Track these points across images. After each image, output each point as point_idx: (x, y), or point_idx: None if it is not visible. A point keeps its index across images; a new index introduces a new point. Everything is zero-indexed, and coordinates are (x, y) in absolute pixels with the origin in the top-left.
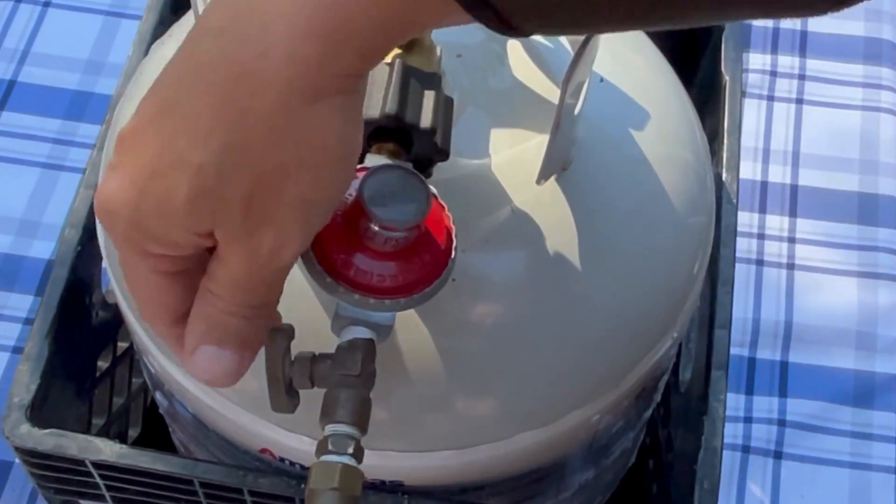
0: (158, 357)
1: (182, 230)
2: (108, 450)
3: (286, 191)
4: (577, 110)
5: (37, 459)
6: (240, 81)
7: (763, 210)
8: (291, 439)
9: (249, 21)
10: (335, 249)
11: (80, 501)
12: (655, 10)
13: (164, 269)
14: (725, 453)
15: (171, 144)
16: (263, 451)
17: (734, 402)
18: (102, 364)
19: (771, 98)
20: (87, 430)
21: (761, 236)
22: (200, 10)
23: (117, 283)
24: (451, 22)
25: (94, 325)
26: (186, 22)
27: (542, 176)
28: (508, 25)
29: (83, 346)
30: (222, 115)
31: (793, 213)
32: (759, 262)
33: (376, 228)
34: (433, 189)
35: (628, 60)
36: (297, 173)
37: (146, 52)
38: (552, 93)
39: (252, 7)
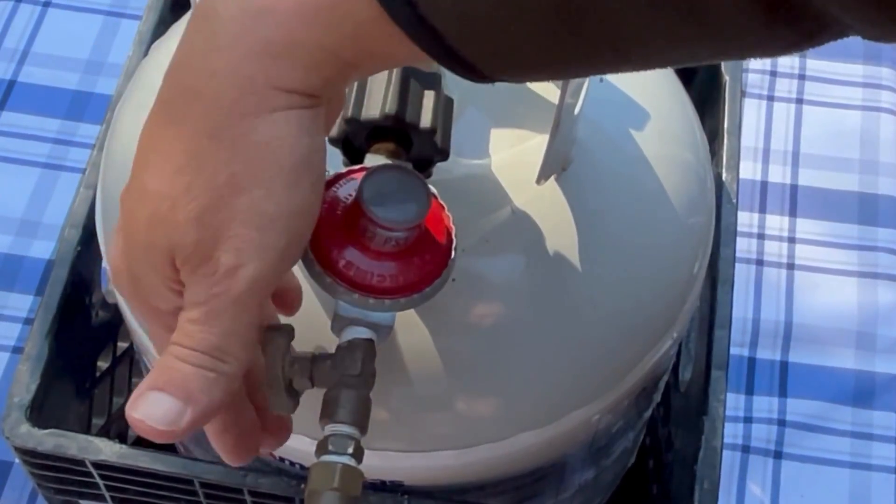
0: (158, 357)
1: (151, 267)
2: (108, 450)
3: (239, 206)
4: (576, 110)
5: (37, 459)
6: (193, 105)
7: (763, 210)
8: (291, 439)
9: (202, 48)
10: (335, 249)
11: (80, 501)
12: (618, 62)
13: (167, 325)
14: (725, 453)
15: (140, 181)
16: None
17: (734, 401)
18: (102, 364)
19: (771, 98)
20: (87, 430)
21: (761, 236)
22: None
23: None
24: (413, 62)
25: (94, 325)
26: (185, 22)
27: (542, 176)
28: (477, 73)
29: (83, 345)
30: (177, 140)
31: (793, 213)
32: (759, 262)
33: (376, 228)
34: (433, 189)
35: None
36: (250, 187)
37: (146, 52)
38: (552, 93)
39: (202, 33)
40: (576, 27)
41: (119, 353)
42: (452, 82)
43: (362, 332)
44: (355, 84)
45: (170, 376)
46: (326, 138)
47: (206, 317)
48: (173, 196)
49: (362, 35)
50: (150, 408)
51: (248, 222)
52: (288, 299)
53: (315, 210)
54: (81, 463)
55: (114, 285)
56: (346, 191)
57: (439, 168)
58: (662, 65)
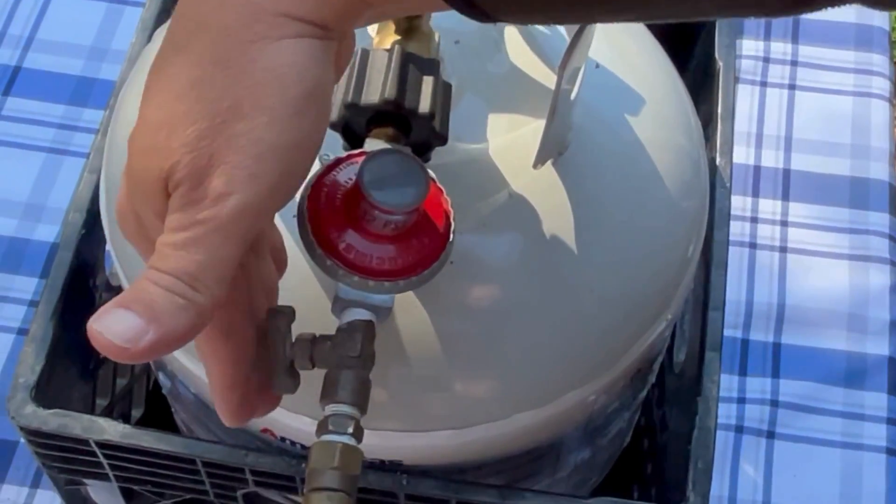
0: None
1: (148, 199)
2: (112, 430)
3: (238, 132)
4: (573, 96)
5: (41, 439)
6: (199, 35)
7: (756, 194)
8: (292, 419)
9: None
10: (335, 233)
11: (85, 481)
12: (620, 10)
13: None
14: (719, 433)
15: (142, 115)
16: (264, 430)
17: (727, 382)
18: None
19: (764, 84)
20: (91, 410)
21: (754, 220)
22: None
23: (121, 266)
24: (422, 7)
25: (98, 307)
26: None
27: (539, 160)
28: (479, 11)
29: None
30: (181, 69)
31: (785, 197)
32: (753, 245)
33: (376, 212)
34: (432, 173)
35: (624, 46)
36: (253, 113)
37: (149, 39)
38: (549, 78)
39: None
40: None
41: None
42: (451, 68)
43: (362, 314)
44: (354, 70)
45: (138, 295)
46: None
47: (186, 242)
48: (171, 123)
49: None
50: (112, 322)
51: (245, 149)
52: (275, 257)
53: (316, 146)
54: (85, 442)
55: (120, 229)
56: (346, 175)
57: (438, 152)
58: (663, 16)
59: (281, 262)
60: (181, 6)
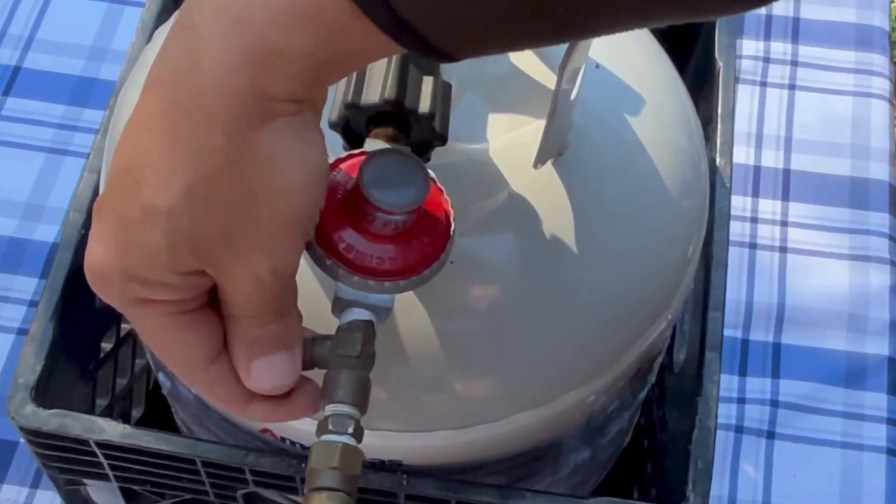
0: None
1: (171, 273)
2: (112, 430)
3: (262, 216)
4: (573, 96)
5: (41, 439)
6: (185, 122)
7: (756, 194)
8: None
9: (182, 64)
10: (335, 233)
11: (85, 481)
12: (575, 25)
13: (174, 311)
14: (719, 433)
15: (136, 196)
16: (264, 431)
17: (727, 382)
18: (106, 345)
19: (764, 84)
20: (90, 410)
21: (754, 220)
22: None
23: None
24: (391, 53)
25: (98, 307)
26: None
27: (539, 160)
28: (441, 54)
29: (87, 327)
30: (178, 157)
31: (785, 197)
32: (753, 246)
33: (376, 212)
34: (432, 173)
35: (623, 47)
36: (267, 197)
37: (149, 39)
38: (549, 78)
39: (183, 48)
40: (549, 13)
41: (122, 334)
42: (451, 68)
43: (362, 314)
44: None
45: (266, 340)
46: (326, 123)
47: (262, 299)
48: (190, 214)
49: (338, 36)
50: (269, 374)
51: (276, 230)
52: None
53: (320, 202)
54: (85, 443)
55: (96, 291)
56: (346, 175)
57: (438, 152)
58: (628, 30)
59: None
60: (156, 86)
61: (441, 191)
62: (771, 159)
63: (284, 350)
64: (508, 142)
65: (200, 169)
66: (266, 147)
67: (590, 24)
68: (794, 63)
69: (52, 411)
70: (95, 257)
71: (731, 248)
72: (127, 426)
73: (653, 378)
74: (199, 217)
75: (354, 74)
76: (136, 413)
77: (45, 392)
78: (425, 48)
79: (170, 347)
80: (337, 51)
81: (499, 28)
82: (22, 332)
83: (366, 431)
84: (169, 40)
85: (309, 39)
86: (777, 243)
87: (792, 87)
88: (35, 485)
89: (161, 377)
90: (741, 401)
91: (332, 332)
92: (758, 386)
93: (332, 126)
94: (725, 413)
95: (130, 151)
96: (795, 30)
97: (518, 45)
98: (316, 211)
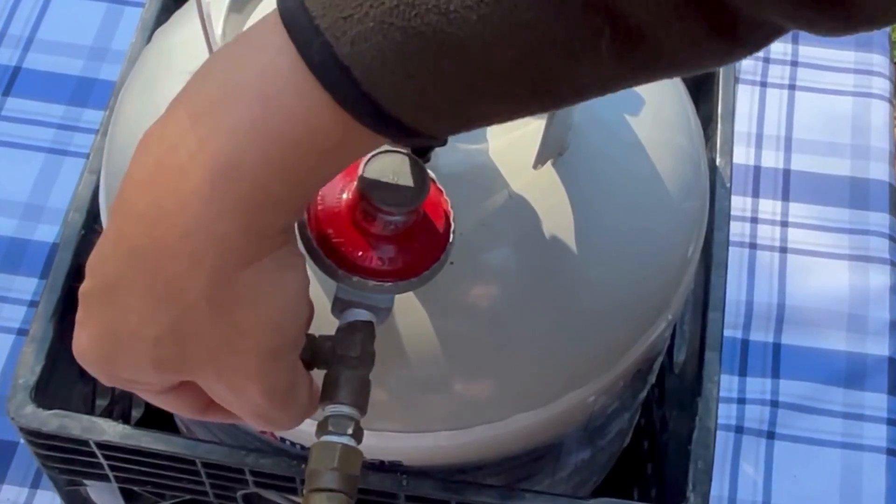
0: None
1: (157, 382)
2: (112, 430)
3: (249, 347)
4: None
5: (41, 440)
6: (170, 263)
7: (756, 194)
8: None
9: (168, 204)
10: (335, 233)
11: (85, 481)
12: (538, 100)
13: (158, 391)
14: (719, 433)
15: (123, 319)
16: (264, 431)
17: (727, 383)
18: None
19: (764, 84)
20: (90, 410)
21: (754, 220)
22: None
23: None
24: (360, 157)
25: None
26: (188, 9)
27: (539, 161)
28: (425, 136)
29: None
30: (164, 296)
31: (785, 198)
32: (753, 246)
33: (376, 213)
34: (432, 174)
35: None
36: (253, 331)
37: (149, 39)
38: None
39: (169, 188)
40: (542, 97)
41: None
42: None
43: (362, 315)
44: None
45: (275, 413)
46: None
47: (266, 405)
48: (176, 343)
49: (330, 160)
50: (291, 419)
51: (265, 357)
52: None
53: (308, 315)
54: (85, 443)
55: (87, 366)
56: (346, 176)
57: (438, 152)
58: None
59: None
60: (138, 220)
61: (441, 191)
62: (771, 159)
63: (293, 420)
64: (508, 142)
65: (185, 308)
66: (252, 286)
67: (576, 98)
68: (794, 63)
69: (51, 412)
70: (82, 347)
71: (731, 248)
72: (127, 426)
73: (653, 378)
74: (185, 347)
75: None
76: (136, 413)
77: (45, 392)
78: (414, 137)
79: (161, 404)
80: (321, 173)
81: (495, 112)
82: (22, 332)
83: (366, 432)
84: (155, 173)
85: (301, 173)
86: (777, 243)
87: (792, 87)
88: (35, 485)
89: None
90: (741, 401)
91: (332, 332)
92: (758, 386)
93: None
94: (725, 413)
95: (115, 272)
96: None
97: (497, 117)
98: (303, 332)
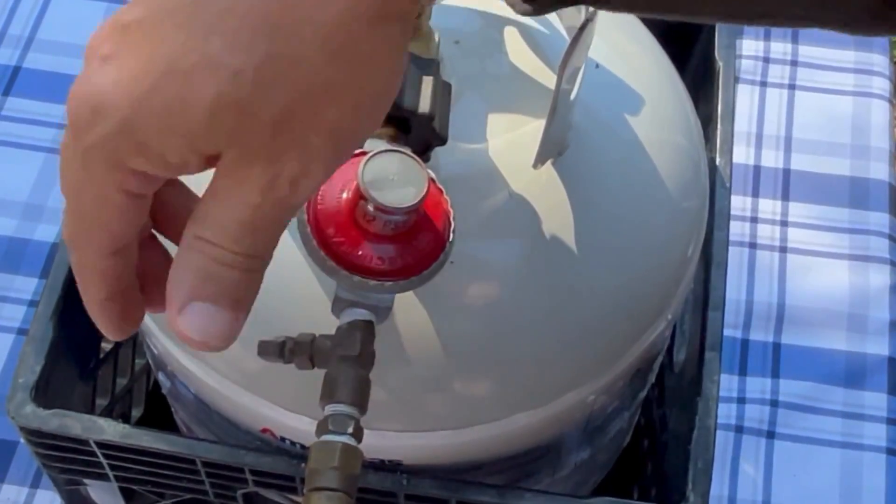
0: (161, 338)
1: (187, 144)
2: (112, 430)
3: (325, 115)
4: (573, 96)
5: (41, 439)
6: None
7: (756, 194)
8: (292, 419)
9: None
10: (335, 232)
11: (84, 481)
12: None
13: (129, 188)
14: (719, 433)
15: (200, 42)
16: (264, 430)
17: (727, 382)
18: (106, 345)
19: (764, 84)
20: (90, 410)
21: (754, 220)
22: None
23: None
24: None
25: None
26: None
27: (539, 160)
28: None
29: (87, 327)
30: (274, 20)
31: (785, 197)
32: (752, 245)
33: (376, 212)
34: (431, 173)
35: (623, 47)
36: (342, 97)
37: None
38: (549, 78)
39: None
40: None
41: None
42: (451, 68)
43: (362, 314)
44: None
45: (218, 286)
46: None
47: (258, 221)
48: (257, 83)
49: None
50: (203, 322)
51: (328, 134)
52: None
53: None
54: (85, 443)
55: (75, 118)
56: (346, 175)
57: (438, 152)
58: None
59: None
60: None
61: (441, 191)
62: (771, 159)
63: (233, 308)
64: (508, 142)
65: (292, 42)
66: (368, 49)
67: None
68: (794, 63)
69: (52, 411)
70: (103, 84)
71: (731, 248)
72: (127, 426)
73: (653, 378)
74: (264, 91)
75: None
76: (136, 413)
77: (45, 392)
78: None
79: (90, 220)
80: None
81: None
82: (22, 332)
83: (366, 431)
84: None
85: None
86: (777, 243)
87: (792, 86)
88: (35, 485)
89: (161, 377)
90: (741, 401)
91: (332, 332)
92: (758, 386)
93: None
94: (725, 413)
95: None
96: (795, 30)
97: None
98: (369, 134)
